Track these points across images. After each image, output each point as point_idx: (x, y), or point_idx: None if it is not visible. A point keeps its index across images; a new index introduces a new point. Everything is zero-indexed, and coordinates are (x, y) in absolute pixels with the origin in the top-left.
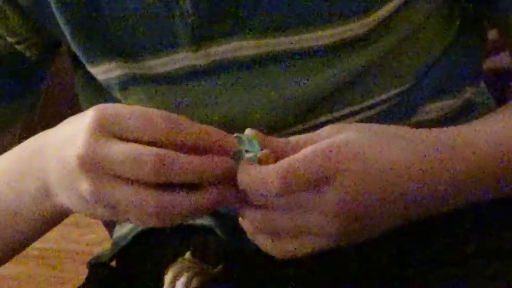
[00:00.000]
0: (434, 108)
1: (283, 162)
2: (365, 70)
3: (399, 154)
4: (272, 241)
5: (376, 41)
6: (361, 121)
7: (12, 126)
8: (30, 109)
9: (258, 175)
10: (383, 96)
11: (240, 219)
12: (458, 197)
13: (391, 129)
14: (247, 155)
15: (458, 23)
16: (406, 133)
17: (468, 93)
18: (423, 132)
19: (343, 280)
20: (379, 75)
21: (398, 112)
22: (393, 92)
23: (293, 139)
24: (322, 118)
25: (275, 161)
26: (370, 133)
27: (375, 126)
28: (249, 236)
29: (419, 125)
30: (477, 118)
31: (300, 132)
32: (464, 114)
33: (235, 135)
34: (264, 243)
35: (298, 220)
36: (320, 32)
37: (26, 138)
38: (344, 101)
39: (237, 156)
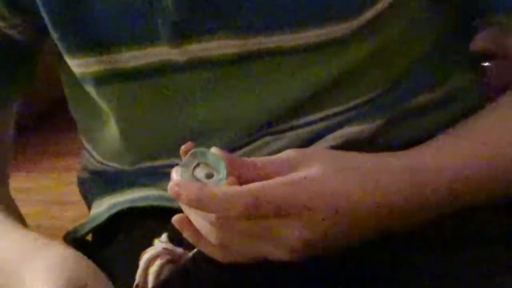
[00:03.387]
0: (418, 101)
1: (253, 186)
2: (348, 71)
3: (362, 188)
4: (220, 251)
5: (360, 42)
6: (345, 120)
7: (5, 107)
8: (24, 90)
9: (225, 195)
10: (366, 97)
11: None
12: (424, 215)
13: (353, 161)
14: (214, 178)
15: (445, 19)
16: (367, 163)
17: (454, 81)
18: (384, 162)
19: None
20: (362, 77)
21: (381, 110)
22: (377, 92)
23: (258, 160)
24: (305, 119)
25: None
26: (334, 167)
27: (338, 158)
28: (192, 240)
29: (400, 115)
30: (461, 105)
31: (279, 133)
32: (449, 102)
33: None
34: (210, 250)
35: (256, 246)
36: (303, 33)
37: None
38: (327, 102)
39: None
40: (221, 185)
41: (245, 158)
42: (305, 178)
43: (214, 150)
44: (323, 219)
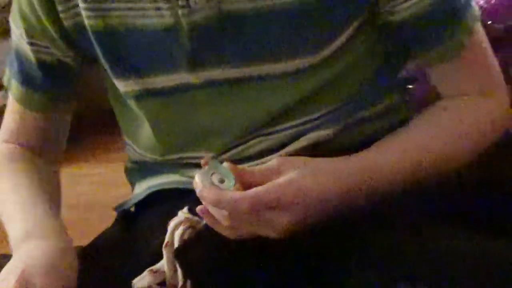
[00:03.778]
0: (364, 113)
1: (253, 191)
2: (315, 90)
3: (328, 185)
4: (229, 231)
5: (325, 68)
6: (313, 127)
7: (48, 111)
8: (70, 99)
9: (234, 198)
10: (327, 109)
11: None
12: (373, 198)
13: (324, 164)
14: (225, 183)
15: (385, 53)
16: (331, 166)
17: (389, 99)
18: (343, 164)
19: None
20: (325, 94)
21: (338, 119)
22: (335, 106)
23: (255, 169)
24: (284, 125)
25: (243, 187)
26: (309, 170)
27: (313, 163)
28: (210, 223)
29: (352, 124)
30: (395, 117)
31: (266, 136)
32: (386, 114)
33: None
34: (222, 230)
35: (255, 229)
36: (284, 63)
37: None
38: (300, 113)
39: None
40: (232, 190)
41: (246, 168)
42: (289, 180)
43: (225, 164)
44: (303, 210)
